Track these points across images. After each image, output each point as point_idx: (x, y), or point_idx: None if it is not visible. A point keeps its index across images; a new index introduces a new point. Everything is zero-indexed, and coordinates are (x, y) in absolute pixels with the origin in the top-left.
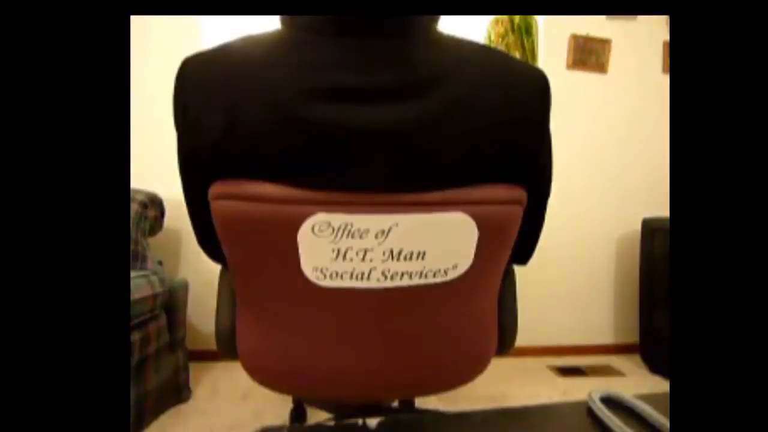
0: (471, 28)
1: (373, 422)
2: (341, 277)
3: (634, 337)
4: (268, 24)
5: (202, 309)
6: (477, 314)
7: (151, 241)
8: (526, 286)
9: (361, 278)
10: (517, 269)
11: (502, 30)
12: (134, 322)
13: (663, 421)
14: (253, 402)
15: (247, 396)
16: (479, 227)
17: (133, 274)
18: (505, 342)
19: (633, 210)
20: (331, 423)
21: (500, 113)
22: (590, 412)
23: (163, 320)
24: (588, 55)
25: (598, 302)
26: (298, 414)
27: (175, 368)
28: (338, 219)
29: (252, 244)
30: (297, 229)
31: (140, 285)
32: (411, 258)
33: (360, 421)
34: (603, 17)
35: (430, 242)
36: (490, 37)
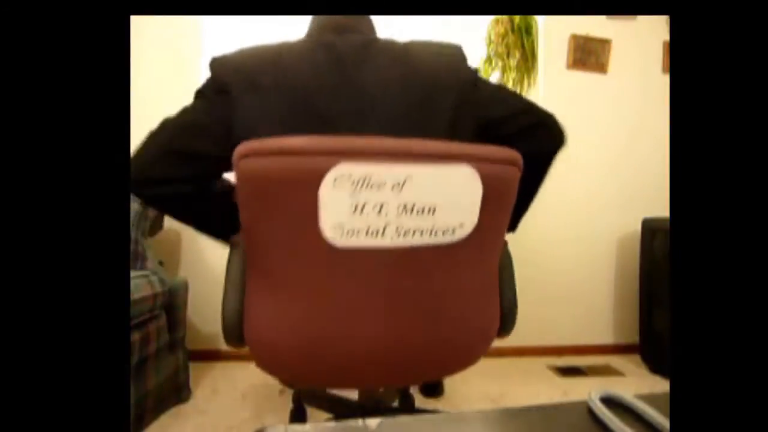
0: (471, 28)
1: (373, 422)
2: (357, 234)
3: (634, 337)
4: (268, 24)
5: (202, 309)
6: (480, 283)
7: (151, 241)
8: (526, 286)
9: (376, 235)
10: (518, 270)
11: (502, 30)
12: (134, 322)
13: (663, 421)
14: (253, 402)
15: (247, 396)
16: (483, 183)
17: (133, 274)
18: (506, 321)
19: (633, 210)
20: (331, 423)
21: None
22: (590, 412)
23: (163, 320)
24: (588, 55)
25: (598, 302)
26: (298, 414)
27: (175, 368)
28: (359, 170)
29: (274, 203)
30: (319, 183)
31: (140, 285)
32: (422, 213)
33: (360, 421)
34: (603, 17)
35: (440, 196)
36: (490, 37)
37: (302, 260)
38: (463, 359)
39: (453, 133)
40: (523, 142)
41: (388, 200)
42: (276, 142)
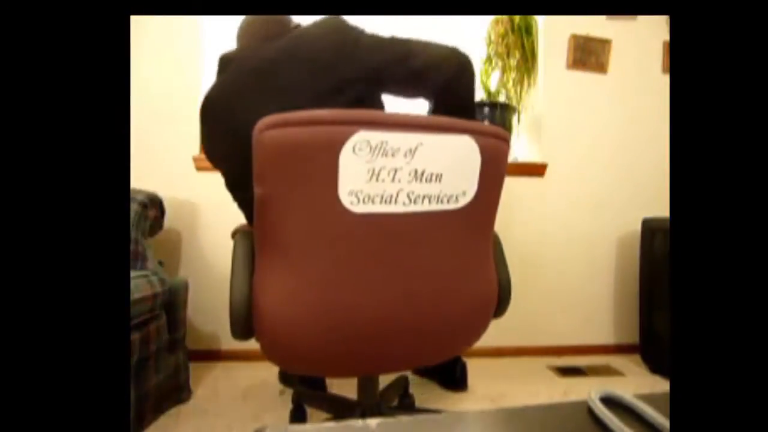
0: (471, 28)
1: (373, 422)
2: (373, 201)
3: (634, 337)
4: None
5: (203, 309)
6: (479, 253)
7: (152, 241)
8: (526, 286)
9: (390, 201)
10: (518, 270)
11: (502, 30)
12: (134, 322)
13: (663, 421)
14: (253, 402)
15: (247, 396)
16: (481, 153)
17: (133, 274)
18: (503, 300)
19: (633, 210)
20: (331, 423)
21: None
22: (590, 412)
23: (163, 320)
24: (588, 55)
25: (598, 302)
26: (298, 414)
27: (175, 368)
28: (376, 137)
29: (296, 171)
30: (340, 150)
31: (140, 285)
32: (431, 180)
33: (360, 422)
34: (603, 17)
35: (446, 164)
36: (490, 37)
37: (318, 228)
38: (468, 331)
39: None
40: (418, 87)
41: (401, 166)
42: (301, 113)
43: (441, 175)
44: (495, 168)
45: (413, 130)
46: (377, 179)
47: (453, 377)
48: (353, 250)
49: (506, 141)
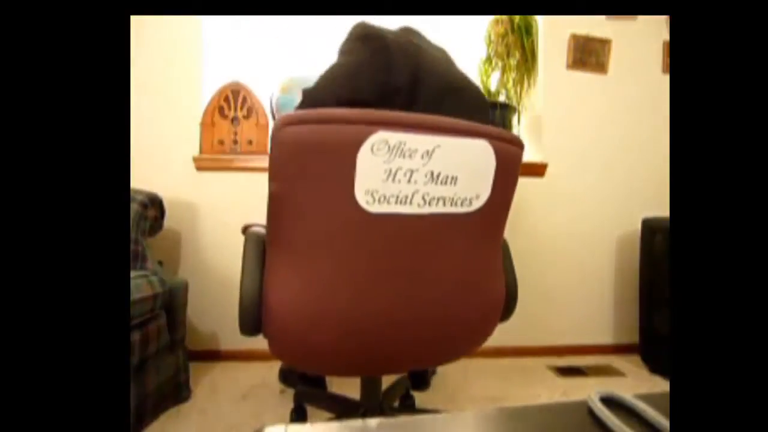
0: (471, 28)
1: (373, 422)
2: (388, 201)
3: (634, 337)
4: (269, 24)
5: (202, 309)
6: (489, 257)
7: (151, 241)
8: (526, 286)
9: (405, 202)
10: (518, 270)
11: (502, 30)
12: (134, 322)
13: (663, 421)
14: (253, 402)
15: (247, 396)
16: (496, 158)
17: (133, 274)
18: (510, 303)
19: (633, 210)
20: (332, 423)
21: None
22: (590, 412)
23: (163, 320)
24: (588, 55)
25: (598, 302)
26: (298, 414)
27: (175, 368)
28: (395, 137)
29: (312, 169)
30: (358, 149)
31: (140, 285)
32: (446, 182)
33: (360, 421)
34: (603, 17)
35: (462, 167)
36: (489, 37)
37: (332, 227)
38: (475, 334)
39: None
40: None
41: (417, 167)
42: (320, 111)
43: (456, 177)
44: (509, 173)
45: (432, 132)
46: (394, 179)
47: (423, 378)
48: (366, 250)
49: (521, 147)
